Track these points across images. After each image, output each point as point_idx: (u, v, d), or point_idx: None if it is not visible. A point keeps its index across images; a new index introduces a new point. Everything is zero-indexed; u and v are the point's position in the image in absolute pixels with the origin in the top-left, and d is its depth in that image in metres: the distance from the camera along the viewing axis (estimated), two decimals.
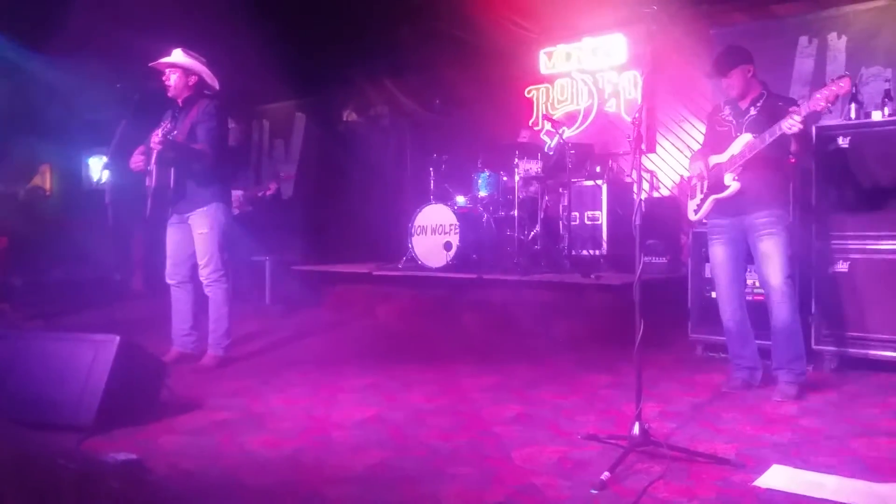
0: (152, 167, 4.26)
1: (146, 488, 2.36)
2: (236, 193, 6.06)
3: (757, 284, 3.92)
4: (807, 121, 3.35)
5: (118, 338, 3.11)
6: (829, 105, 3.26)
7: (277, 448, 2.90)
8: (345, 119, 8.94)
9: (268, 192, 6.04)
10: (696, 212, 3.81)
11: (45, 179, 8.38)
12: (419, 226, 6.55)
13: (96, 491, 2.32)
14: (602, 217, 6.19)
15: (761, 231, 3.55)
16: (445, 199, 6.70)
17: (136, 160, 4.31)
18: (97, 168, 8.38)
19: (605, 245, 6.12)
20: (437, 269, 6.29)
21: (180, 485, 2.53)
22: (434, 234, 6.43)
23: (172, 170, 4.24)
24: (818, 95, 3.24)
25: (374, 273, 6.64)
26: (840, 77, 3.23)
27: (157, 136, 4.15)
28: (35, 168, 8.12)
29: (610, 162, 6.64)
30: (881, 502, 2.24)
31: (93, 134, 6.32)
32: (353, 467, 2.67)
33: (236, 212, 6.09)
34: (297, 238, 7.85)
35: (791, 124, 3.28)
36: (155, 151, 4.20)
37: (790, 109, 3.33)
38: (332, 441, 3.00)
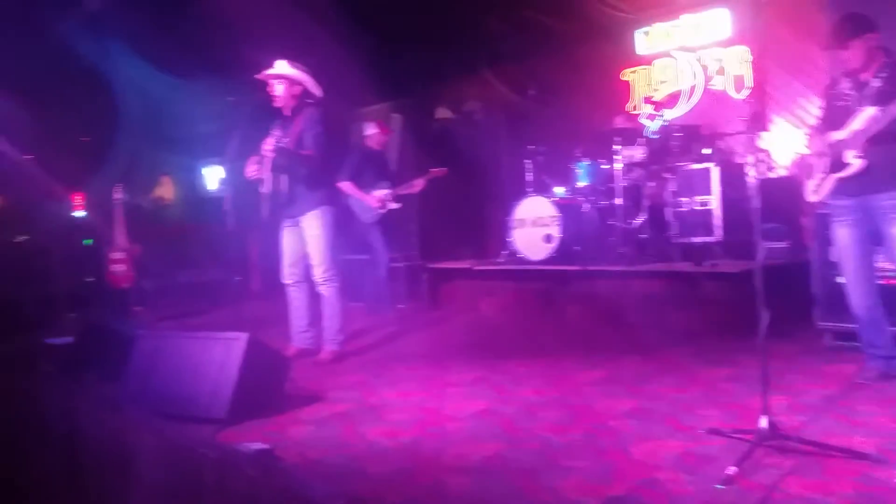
0: (267, 174, 4.48)
1: (279, 475, 2.49)
2: (382, 192, 6.24)
3: (888, 267, 3.65)
4: None
5: (246, 335, 3.30)
6: None
7: (395, 438, 2.99)
8: (437, 117, 9.02)
9: (415, 189, 6.18)
10: (815, 192, 3.59)
11: (166, 189, 8.95)
12: (518, 219, 6.52)
13: (234, 477, 2.47)
14: (713, 201, 5.93)
15: (890, 213, 3.30)
16: (544, 190, 6.65)
17: (251, 169, 4.53)
18: (212, 177, 8.91)
19: (718, 231, 5.85)
20: (539, 262, 6.25)
21: (309, 472, 2.65)
22: (534, 226, 6.39)
23: (285, 176, 4.47)
24: None
25: (475, 268, 6.68)
26: None
27: (269, 145, 4.38)
28: (156, 179, 8.69)
29: (719, 142, 6.36)
30: None
31: (207, 145, 6.71)
32: (470, 458, 2.71)
33: (383, 210, 6.28)
34: (398, 236, 8.02)
35: None
36: (268, 159, 4.41)
37: None
38: (447, 432, 3.05)
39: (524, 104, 7.76)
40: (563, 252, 6.15)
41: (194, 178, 7.99)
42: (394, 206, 6.25)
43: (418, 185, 6.15)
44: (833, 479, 2.31)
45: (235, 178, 5.00)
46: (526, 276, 6.29)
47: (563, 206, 6.28)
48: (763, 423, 2.55)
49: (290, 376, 3.59)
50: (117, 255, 6.67)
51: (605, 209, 6.34)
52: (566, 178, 6.70)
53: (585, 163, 6.53)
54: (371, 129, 6.63)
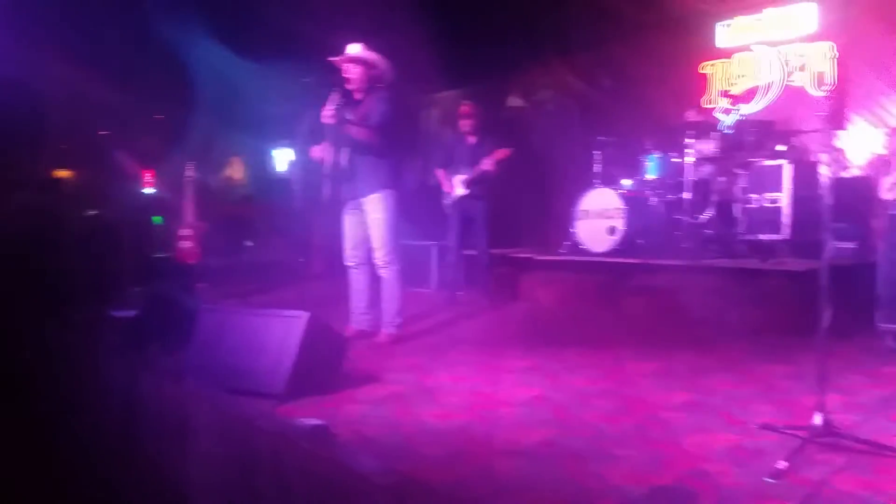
0: (328, 148, 4.51)
1: (333, 451, 2.60)
2: (457, 178, 6.26)
3: None
4: None
5: (307, 314, 3.43)
6: None
7: (448, 420, 3.07)
8: (509, 105, 9.01)
9: (484, 169, 6.18)
10: (891, 190, 3.48)
11: (236, 170, 9.22)
12: (583, 210, 6.51)
13: (289, 451, 2.60)
14: (783, 199, 5.77)
15: None
16: (611, 182, 6.60)
17: (317, 150, 4.63)
18: (281, 159, 9.16)
19: (786, 229, 5.70)
20: (601, 254, 6.22)
21: (362, 449, 2.75)
22: (599, 218, 6.37)
23: (346, 150, 4.49)
24: None
25: (537, 258, 6.69)
26: None
27: (328, 111, 4.36)
28: (227, 159, 8.95)
29: (793, 139, 6.18)
30: None
31: (278, 127, 6.88)
32: (521, 442, 2.77)
33: (454, 197, 6.33)
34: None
35: None
36: (329, 131, 4.42)
37: None
38: (499, 417, 3.11)
39: (597, 94, 7.70)
40: (627, 245, 6.11)
41: (264, 159, 8.23)
42: (462, 192, 6.25)
43: (486, 164, 6.09)
44: (883, 478, 2.28)
45: (304, 161, 5.10)
46: (587, 267, 6.27)
47: (629, 198, 6.23)
48: (817, 419, 2.52)
49: (348, 356, 3.71)
50: (185, 233, 6.89)
51: (672, 203, 6.26)
52: (634, 170, 6.64)
53: (655, 155, 6.45)
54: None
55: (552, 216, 7.72)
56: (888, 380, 3.50)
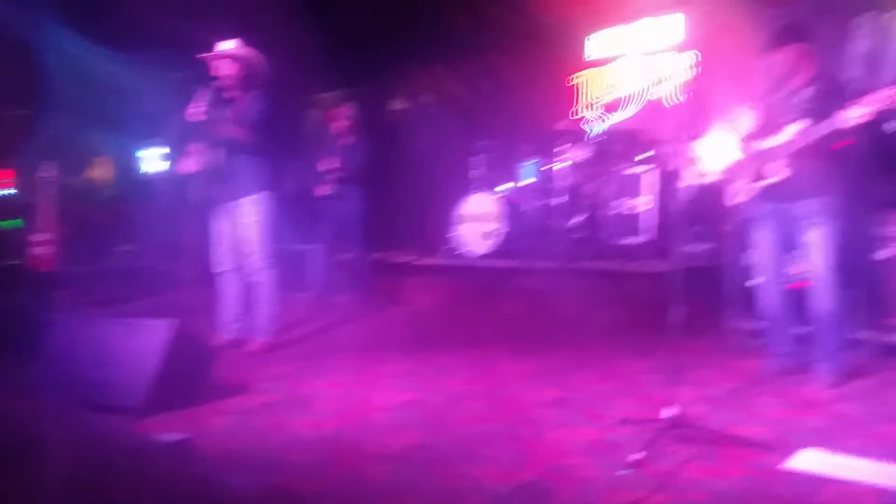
0: (194, 149, 4.34)
1: (197, 465, 2.50)
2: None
3: (798, 272, 3.84)
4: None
5: (170, 322, 3.27)
6: (880, 110, 3.13)
7: (320, 429, 3.02)
8: (391, 108, 9.03)
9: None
10: (741, 195, 3.77)
11: (101, 170, 8.65)
12: (462, 214, 6.62)
13: (149, 468, 2.47)
14: (647, 205, 6.14)
15: (809, 220, 3.49)
16: (489, 187, 6.76)
17: (186, 162, 4.42)
18: (150, 159, 8.67)
19: (649, 233, 6.06)
20: (480, 258, 6.36)
21: (228, 463, 2.67)
22: (477, 222, 6.51)
23: (216, 150, 4.34)
24: (871, 99, 3.11)
25: (416, 262, 6.74)
26: (893, 84, 3.10)
27: (196, 108, 4.18)
28: (91, 159, 8.39)
29: (657, 148, 6.57)
30: None
31: (146, 125, 6.51)
32: (391, 447, 2.77)
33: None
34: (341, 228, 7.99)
35: (847, 119, 3.17)
36: (211, 136, 4.27)
37: (852, 104, 3.17)
38: (371, 423, 3.11)
39: (476, 100, 7.86)
40: (504, 248, 6.28)
41: (132, 159, 7.76)
42: (327, 191, 6.22)
43: (323, 165, 6.05)
44: (727, 465, 2.46)
45: (172, 161, 4.88)
46: (466, 270, 6.40)
47: (506, 203, 6.40)
48: (670, 412, 2.69)
49: (216, 367, 3.57)
50: (40, 238, 6.42)
51: (546, 208, 6.50)
52: (512, 175, 6.83)
53: (531, 162, 6.67)
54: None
55: (432, 220, 7.80)
56: (737, 373, 3.79)
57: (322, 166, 6.19)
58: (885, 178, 4.03)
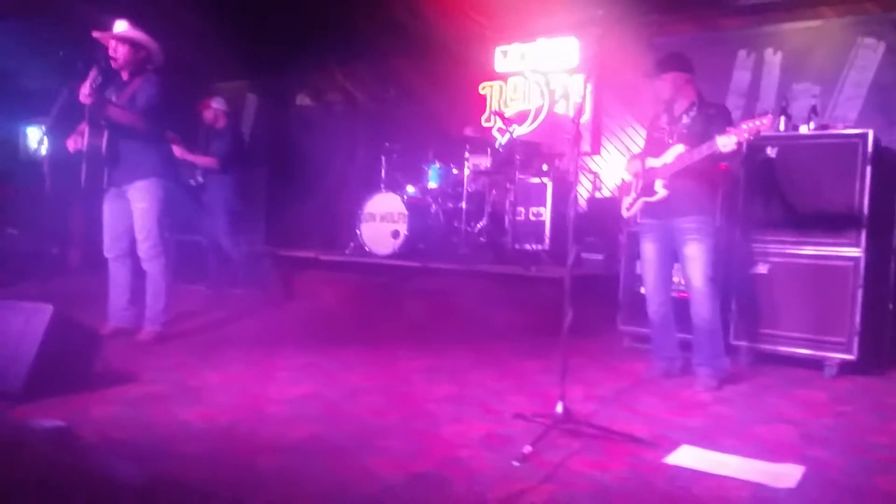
0: (84, 129, 4.15)
1: (76, 453, 2.38)
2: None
3: (682, 282, 4.10)
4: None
5: (51, 307, 3.09)
6: (752, 137, 3.39)
7: (212, 420, 2.94)
8: (298, 103, 8.90)
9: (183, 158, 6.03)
10: (627, 209, 3.99)
11: None
12: (368, 213, 6.62)
13: (25, 455, 2.33)
14: (546, 213, 6.35)
15: (686, 236, 3.72)
16: (395, 188, 6.78)
17: (75, 141, 4.22)
18: (35, 137, 8.12)
19: (547, 240, 6.28)
20: (384, 257, 6.37)
21: (110, 452, 2.55)
22: (383, 221, 6.51)
23: (106, 133, 4.17)
24: (744, 127, 3.36)
25: (321, 258, 6.68)
26: (763, 114, 3.38)
27: (85, 89, 3.99)
28: None
29: (556, 161, 6.82)
30: (774, 478, 2.43)
31: (31, 102, 6.11)
32: (285, 439, 2.73)
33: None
34: (243, 219, 7.80)
35: (722, 145, 3.40)
36: (87, 111, 4.07)
37: (727, 130, 3.41)
38: (266, 414, 3.05)
39: (383, 102, 7.87)
40: (408, 248, 6.32)
41: (16, 137, 7.25)
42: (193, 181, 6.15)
43: (178, 152, 5.93)
44: (611, 459, 2.60)
45: (59, 141, 4.63)
46: (370, 269, 6.39)
47: (412, 204, 6.44)
48: (559, 408, 2.80)
49: (102, 355, 3.39)
50: None
51: (451, 211, 6.60)
52: (418, 178, 6.88)
53: (437, 166, 6.75)
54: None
55: (339, 218, 7.75)
56: (624, 374, 4.00)
57: (183, 155, 6.05)
58: (760, 200, 4.37)
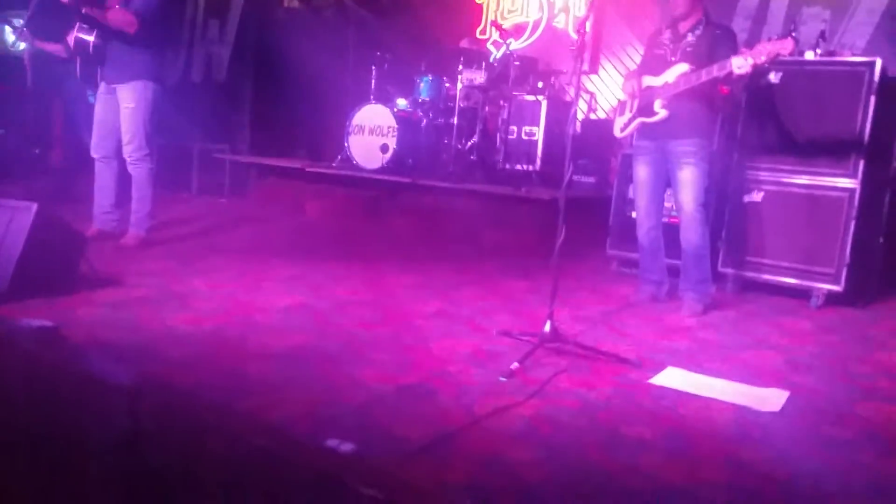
0: (70, 32, 4.06)
1: (63, 353, 2.36)
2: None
3: (674, 208, 4.07)
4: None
5: (35, 205, 3.03)
6: (769, 61, 3.30)
7: (199, 325, 2.93)
8: (285, 5, 8.52)
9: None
10: (622, 129, 3.90)
11: None
12: (357, 125, 6.46)
13: (11, 353, 2.31)
14: (539, 133, 6.23)
15: (682, 159, 3.66)
16: (386, 100, 6.60)
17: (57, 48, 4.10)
18: (10, 33, 7.75)
19: (538, 161, 6.19)
20: (372, 171, 6.27)
21: (100, 352, 2.54)
22: (371, 134, 6.37)
23: (94, 32, 4.06)
24: (762, 50, 3.24)
25: (307, 169, 6.57)
26: (784, 38, 3.24)
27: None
28: None
29: (552, 79, 6.65)
30: (759, 402, 2.48)
31: None
32: (274, 346, 2.74)
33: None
34: (228, 126, 7.60)
35: (734, 67, 3.29)
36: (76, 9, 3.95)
37: (742, 51, 3.30)
38: (255, 323, 3.05)
39: (375, 9, 7.56)
40: (397, 163, 6.21)
41: None
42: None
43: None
44: (597, 378, 2.63)
45: (38, 37, 4.43)
46: (357, 182, 6.30)
47: (402, 118, 6.29)
48: (546, 327, 2.82)
49: (86, 257, 3.34)
50: None
51: (441, 127, 6.46)
52: (409, 90, 6.69)
53: (429, 78, 6.55)
54: None
55: (327, 128, 7.57)
56: (611, 298, 4.02)
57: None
58: (759, 127, 4.29)
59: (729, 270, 4.36)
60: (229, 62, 8.03)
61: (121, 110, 4.19)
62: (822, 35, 4.65)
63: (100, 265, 3.47)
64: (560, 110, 6.36)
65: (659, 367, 2.78)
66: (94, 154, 4.33)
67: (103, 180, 4.35)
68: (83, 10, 3.96)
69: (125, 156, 4.25)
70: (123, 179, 4.36)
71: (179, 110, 5.84)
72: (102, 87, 4.24)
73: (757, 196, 4.28)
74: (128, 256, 4.06)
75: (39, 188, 5.35)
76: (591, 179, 5.95)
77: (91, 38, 4.07)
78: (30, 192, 4.46)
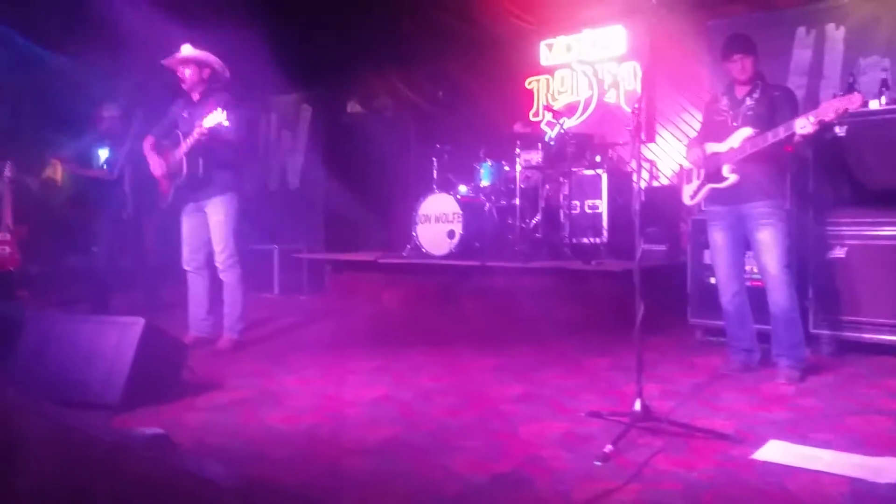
0: (181, 156, 4.37)
1: (176, 459, 2.49)
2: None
3: (755, 270, 3.97)
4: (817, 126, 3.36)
5: (142, 320, 3.25)
6: (837, 117, 3.32)
7: (294, 423, 3.03)
8: (349, 111, 9.04)
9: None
10: (692, 197, 3.91)
11: (56, 171, 8.48)
12: (423, 214, 6.67)
13: (128, 462, 2.45)
14: (602, 205, 6.29)
15: (759, 221, 3.64)
16: (448, 188, 6.82)
17: (157, 163, 4.48)
18: (105, 158, 8.43)
19: (605, 233, 6.22)
20: (441, 257, 6.42)
21: (207, 456, 2.66)
22: (438, 222, 6.56)
23: (201, 159, 4.37)
24: (829, 108, 3.26)
25: (380, 261, 6.77)
26: (849, 93, 3.29)
27: (199, 126, 4.19)
28: (47, 160, 8.24)
29: (609, 151, 6.75)
30: (875, 474, 2.33)
31: (103, 126, 6.45)
32: (367, 441, 2.80)
33: None
34: (304, 227, 7.99)
35: (799, 127, 3.33)
36: (190, 141, 4.28)
37: (807, 113, 3.34)
38: (345, 417, 3.13)
39: (433, 104, 7.94)
40: (465, 248, 6.35)
41: (89, 159, 7.63)
42: None
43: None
44: (697, 457, 2.55)
45: (134, 161, 4.82)
46: (428, 269, 6.45)
47: (465, 203, 6.47)
48: (637, 406, 2.78)
49: (187, 364, 3.56)
50: (2, 237, 6.35)
51: (504, 208, 6.60)
52: (470, 177, 6.91)
53: (488, 164, 6.76)
54: None
55: (394, 221, 7.85)
56: (699, 369, 3.93)
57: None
58: (832, 181, 4.24)
59: (823, 332, 4.20)
60: (301, 168, 8.55)
61: (211, 223, 4.49)
62: (885, 84, 4.62)
63: (199, 370, 3.67)
64: (621, 180, 6.44)
65: (760, 441, 2.67)
66: (186, 267, 4.62)
67: (197, 290, 4.61)
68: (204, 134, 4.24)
69: (217, 264, 4.51)
70: (213, 286, 4.62)
71: (259, 216, 6.19)
72: (189, 204, 4.54)
73: (840, 252, 4.17)
74: (224, 360, 4.26)
75: (138, 301, 5.72)
76: (662, 247, 5.92)
77: (199, 163, 4.38)
78: (130, 306, 4.74)
